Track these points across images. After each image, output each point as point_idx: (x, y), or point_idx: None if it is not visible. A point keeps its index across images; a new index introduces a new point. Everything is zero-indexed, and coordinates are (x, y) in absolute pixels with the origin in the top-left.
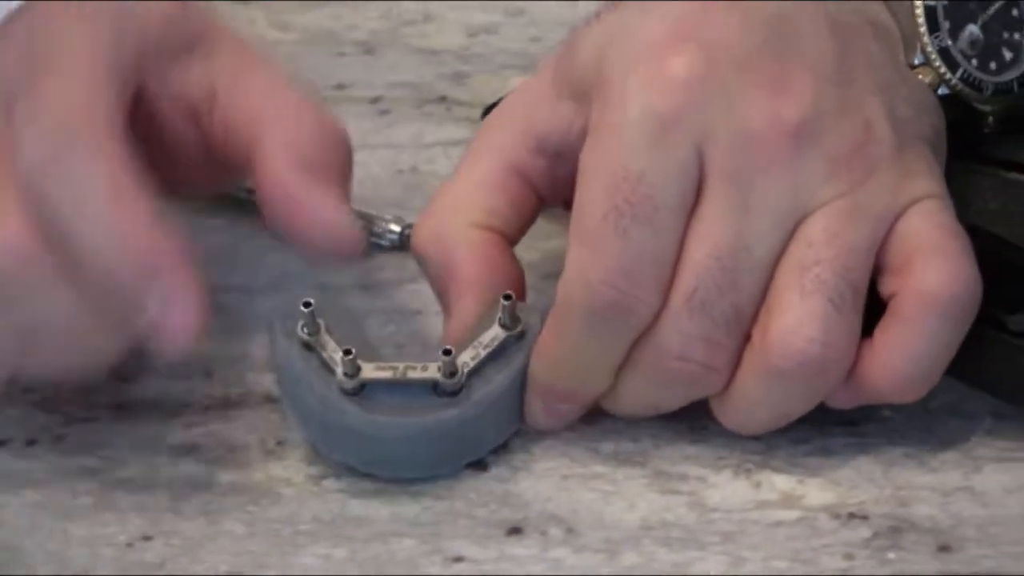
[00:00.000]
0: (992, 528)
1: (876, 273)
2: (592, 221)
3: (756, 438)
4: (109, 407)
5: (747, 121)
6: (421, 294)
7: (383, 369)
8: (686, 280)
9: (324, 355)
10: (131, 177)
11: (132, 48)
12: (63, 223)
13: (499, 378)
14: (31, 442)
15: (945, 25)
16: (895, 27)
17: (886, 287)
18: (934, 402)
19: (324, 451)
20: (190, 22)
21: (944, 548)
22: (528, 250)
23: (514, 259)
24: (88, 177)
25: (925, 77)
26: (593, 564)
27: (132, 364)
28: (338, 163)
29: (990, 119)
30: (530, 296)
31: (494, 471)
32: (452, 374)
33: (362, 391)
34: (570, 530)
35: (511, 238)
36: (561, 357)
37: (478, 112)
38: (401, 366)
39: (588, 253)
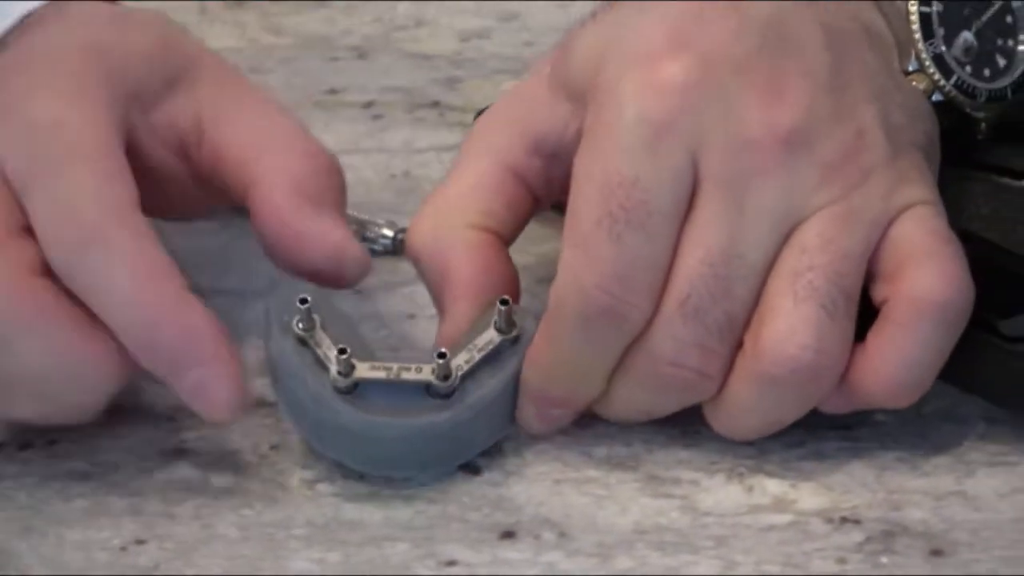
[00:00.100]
0: (985, 532)
1: (868, 279)
2: (586, 226)
3: (749, 442)
4: (102, 411)
5: (742, 127)
6: (414, 298)
7: (377, 369)
8: (679, 286)
9: (319, 352)
10: (159, 258)
11: (122, 99)
12: (99, 307)
13: (492, 382)
14: (24, 446)
15: (940, 31)
16: (889, 33)
17: (879, 293)
18: (927, 406)
19: (315, 446)
20: (171, 57)
21: (937, 552)
22: (522, 254)
23: (509, 261)
24: (122, 261)
25: (919, 83)
26: (586, 568)
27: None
28: (332, 189)
29: (983, 125)
30: (524, 300)
31: (487, 475)
32: (446, 377)
33: (355, 390)
34: (563, 534)
35: (507, 239)
36: (554, 363)
37: (471, 117)
38: (395, 367)
39: (582, 258)
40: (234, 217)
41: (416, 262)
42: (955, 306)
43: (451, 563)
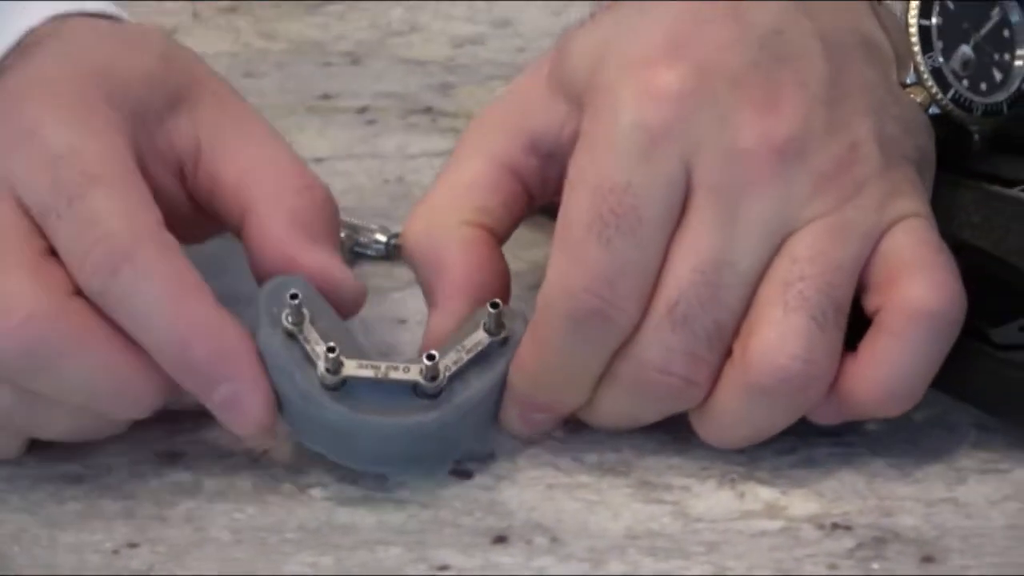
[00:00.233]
0: (976, 539)
1: (860, 290)
2: (577, 230)
3: (740, 449)
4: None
5: (736, 137)
6: (406, 303)
7: (365, 367)
8: (669, 293)
9: (307, 348)
10: (190, 275)
11: (128, 121)
12: (131, 325)
13: (480, 383)
14: None
15: (939, 45)
16: (888, 45)
17: (871, 303)
18: (918, 414)
19: (300, 438)
20: (172, 76)
21: (928, 559)
22: (513, 260)
23: (502, 259)
24: (149, 285)
25: (916, 96)
26: (578, 573)
27: None
28: (326, 221)
29: (976, 138)
30: (515, 305)
31: (479, 480)
32: (434, 377)
33: (343, 387)
34: (555, 539)
35: (501, 237)
36: (540, 368)
37: (464, 123)
38: (383, 366)
39: (571, 261)
40: None
41: (410, 257)
42: (947, 316)
43: (443, 567)
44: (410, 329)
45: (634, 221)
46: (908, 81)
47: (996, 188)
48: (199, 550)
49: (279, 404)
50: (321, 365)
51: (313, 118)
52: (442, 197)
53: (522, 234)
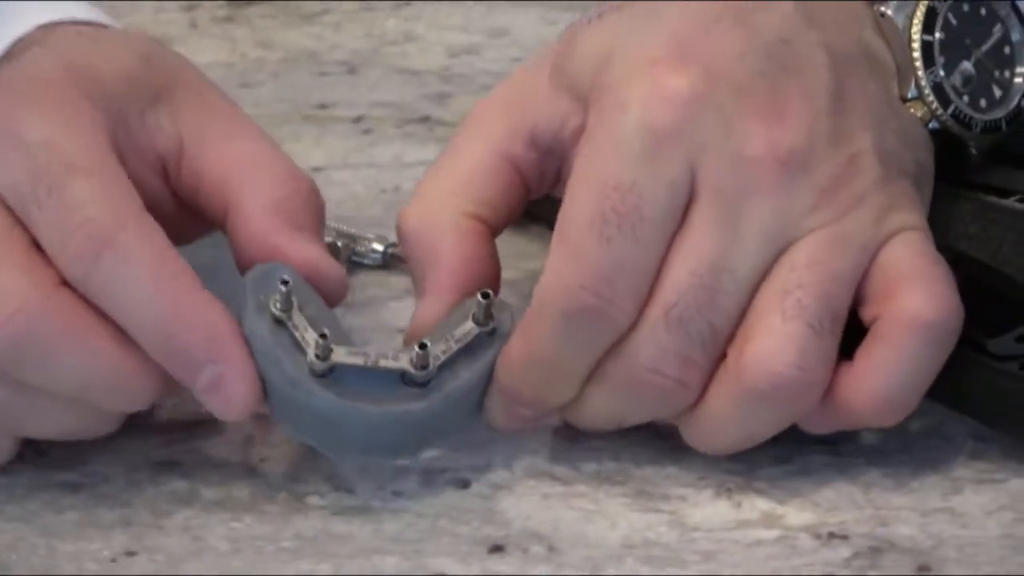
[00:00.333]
0: (971, 549)
1: (857, 301)
2: (577, 226)
3: (737, 458)
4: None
5: (742, 145)
6: (403, 313)
7: (355, 355)
8: (666, 294)
9: (296, 335)
10: (174, 257)
11: (108, 119)
12: (116, 309)
13: (467, 374)
14: (15, 458)
15: (940, 60)
16: (890, 58)
17: (868, 313)
18: (914, 424)
19: (282, 427)
20: (153, 76)
21: (924, 568)
22: (509, 269)
23: (495, 254)
24: (132, 267)
25: (917, 111)
26: None
27: None
28: (310, 212)
29: (973, 151)
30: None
31: (476, 488)
32: (424, 366)
33: (331, 374)
34: (552, 548)
35: (496, 230)
36: (530, 361)
37: None
38: (373, 353)
39: (570, 257)
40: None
41: (404, 242)
42: (944, 327)
43: None
44: None
45: (636, 220)
46: (909, 95)
47: (992, 199)
48: (197, 559)
49: (264, 392)
50: (311, 351)
51: (309, 128)
52: (441, 184)
53: (518, 243)
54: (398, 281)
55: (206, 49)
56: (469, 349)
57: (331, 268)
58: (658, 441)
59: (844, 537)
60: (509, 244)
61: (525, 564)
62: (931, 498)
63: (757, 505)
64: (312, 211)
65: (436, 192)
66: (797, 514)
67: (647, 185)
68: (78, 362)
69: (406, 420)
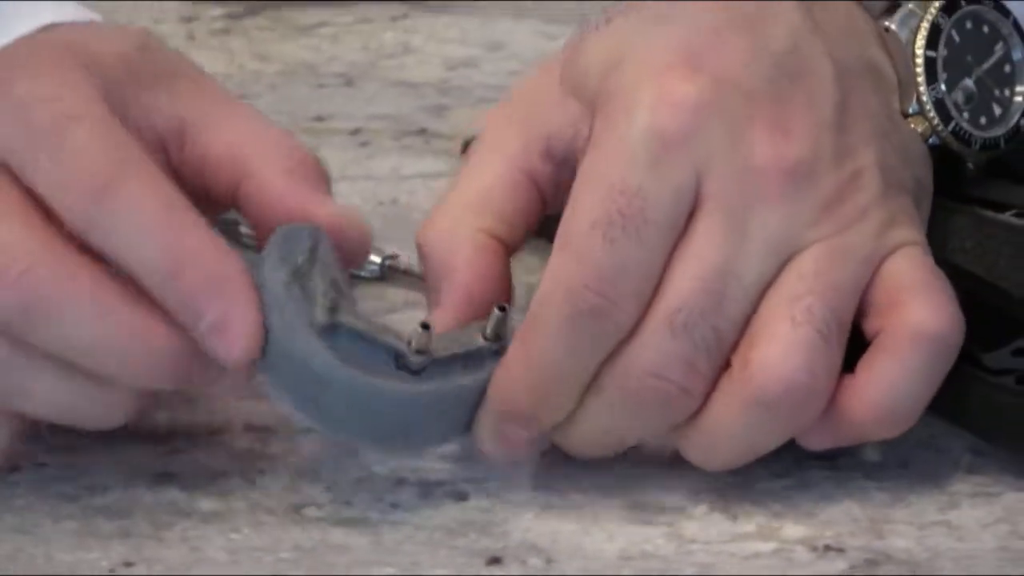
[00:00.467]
0: (967, 561)
1: (859, 314)
2: (581, 228)
3: (734, 471)
4: (91, 434)
5: (749, 153)
6: (401, 325)
7: (359, 320)
8: (671, 299)
9: (310, 285)
10: (177, 196)
11: (104, 92)
12: (122, 249)
13: (462, 380)
14: (13, 469)
15: (943, 76)
16: (892, 73)
17: (871, 326)
18: (910, 437)
19: (268, 384)
20: (149, 62)
21: None
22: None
23: (508, 274)
24: (144, 200)
25: (917, 126)
26: None
27: None
28: (321, 176)
29: (970, 166)
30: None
31: (474, 501)
32: (421, 351)
33: (332, 336)
34: (549, 560)
35: (512, 248)
36: (528, 370)
37: (457, 145)
38: (377, 324)
39: (573, 258)
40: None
41: (421, 256)
42: (947, 339)
43: None
44: None
45: (640, 224)
46: (910, 111)
47: (989, 213)
48: (195, 570)
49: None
50: (318, 305)
51: (307, 140)
52: (459, 200)
53: (521, 259)
54: (395, 294)
55: (203, 61)
56: (470, 359)
57: (357, 224)
58: (655, 453)
59: (840, 550)
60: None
61: None
62: (927, 511)
63: (754, 518)
64: (323, 180)
65: (454, 208)
66: (794, 527)
67: (653, 190)
68: (89, 323)
69: (388, 398)
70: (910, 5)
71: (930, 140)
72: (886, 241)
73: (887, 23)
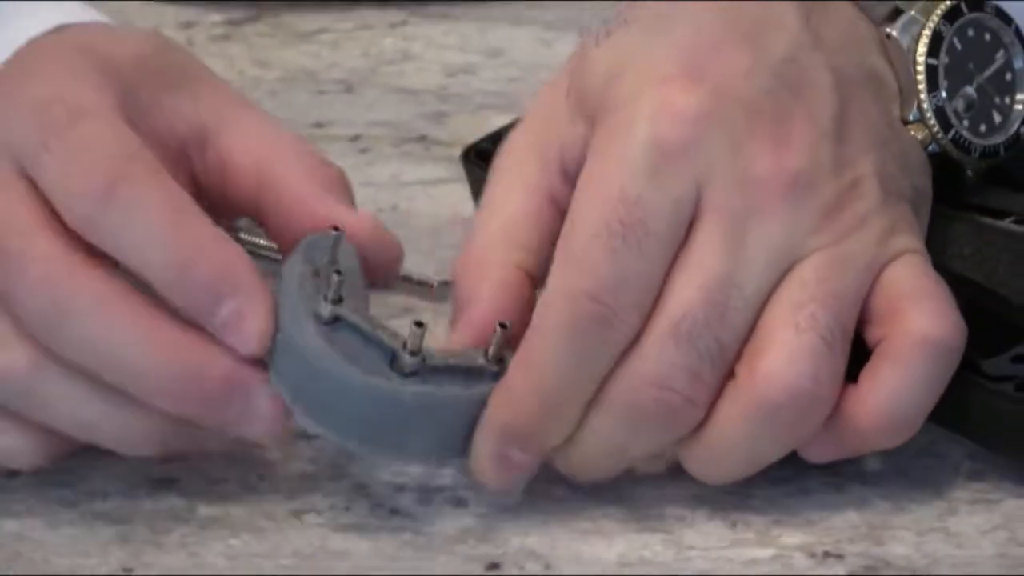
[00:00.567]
0: (966, 568)
1: (860, 323)
2: (582, 237)
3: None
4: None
5: (749, 164)
6: (402, 330)
7: (360, 316)
8: (674, 309)
9: (321, 278)
10: (183, 195)
11: (118, 98)
12: (129, 249)
13: (453, 389)
14: (12, 474)
15: (944, 84)
16: (893, 80)
17: (873, 334)
18: (910, 444)
19: (272, 378)
20: (167, 64)
21: None
22: None
23: (530, 308)
24: (151, 198)
25: (917, 134)
26: None
27: None
28: (348, 189)
29: (969, 173)
30: None
31: (473, 507)
32: (413, 353)
33: (334, 328)
34: (548, 566)
35: (538, 279)
36: (529, 386)
37: (457, 151)
38: (376, 322)
39: (574, 268)
40: None
41: (453, 279)
42: (950, 345)
43: None
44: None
45: (641, 234)
46: (911, 118)
47: (987, 220)
48: None
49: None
50: (325, 293)
51: None
52: (486, 232)
53: None
54: (395, 301)
55: None
56: (468, 373)
57: (388, 234)
58: (654, 460)
59: (839, 556)
60: None
61: None
62: (926, 518)
63: (752, 524)
64: (349, 192)
65: (482, 241)
66: (792, 533)
67: (653, 199)
68: (107, 325)
69: (372, 394)
70: (912, 12)
71: (929, 148)
72: (886, 249)
73: (888, 30)
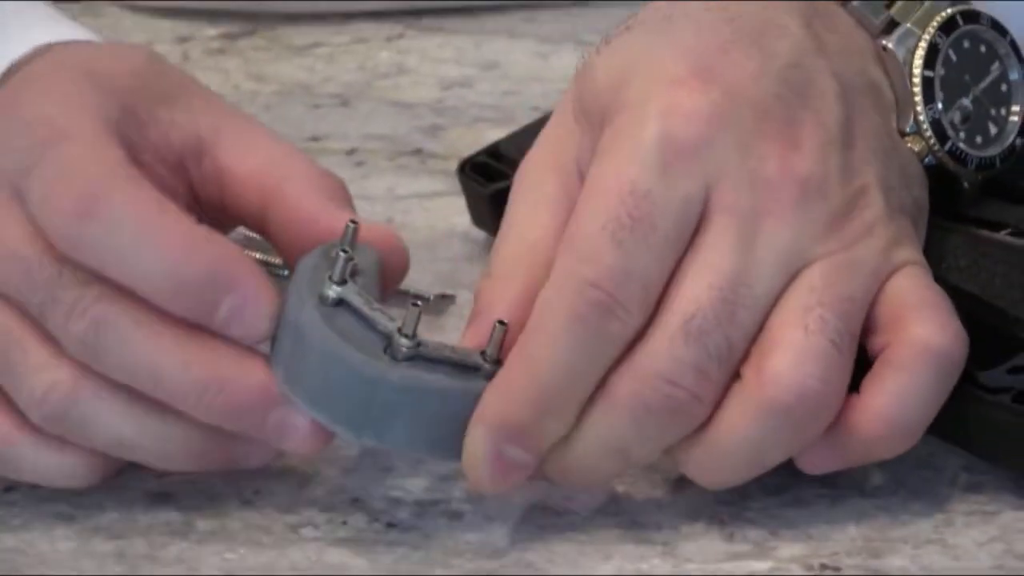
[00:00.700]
0: None
1: (863, 333)
2: (589, 229)
3: (729, 489)
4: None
5: (760, 166)
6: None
7: (362, 298)
8: (685, 306)
9: (331, 257)
10: (166, 202)
11: (115, 113)
12: (117, 261)
13: (447, 382)
14: (9, 488)
15: (940, 96)
16: (889, 92)
17: (876, 343)
18: (907, 456)
19: (270, 360)
20: (161, 77)
21: None
22: None
23: None
24: (131, 207)
25: (914, 146)
26: None
27: None
28: (347, 200)
29: (966, 185)
30: None
31: (469, 519)
32: (408, 336)
33: (337, 308)
34: None
35: None
36: (528, 375)
37: (453, 165)
38: (377, 305)
39: (580, 258)
40: None
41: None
42: (952, 355)
43: None
44: None
45: (648, 228)
46: (907, 130)
47: (983, 232)
48: None
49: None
50: (332, 274)
51: None
52: (511, 254)
53: None
54: (393, 311)
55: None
56: (463, 367)
57: (399, 240)
58: (651, 472)
59: (836, 568)
60: None
61: None
62: (923, 530)
63: (749, 536)
64: (347, 198)
65: (505, 263)
66: (789, 546)
67: (661, 196)
68: (146, 347)
69: (363, 375)
70: (907, 24)
71: (926, 160)
72: (891, 259)
73: (884, 42)
